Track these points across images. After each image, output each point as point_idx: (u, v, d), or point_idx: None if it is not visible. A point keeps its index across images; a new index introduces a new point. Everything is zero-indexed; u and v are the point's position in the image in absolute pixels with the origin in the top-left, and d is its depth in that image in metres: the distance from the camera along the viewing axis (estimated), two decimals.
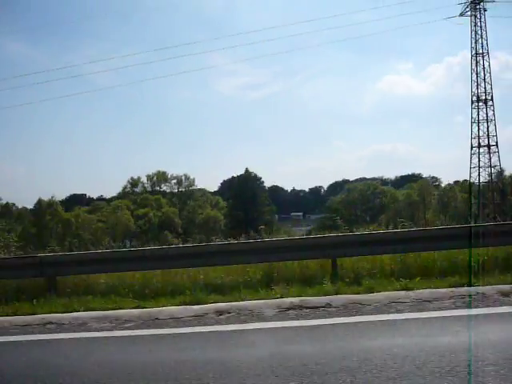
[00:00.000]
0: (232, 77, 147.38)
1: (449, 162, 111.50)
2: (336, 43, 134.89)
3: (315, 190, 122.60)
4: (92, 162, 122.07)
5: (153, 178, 73.66)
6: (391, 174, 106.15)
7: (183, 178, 73.99)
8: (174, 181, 74.72)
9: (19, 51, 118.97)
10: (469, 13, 48.37)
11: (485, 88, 48.74)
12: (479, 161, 49.11)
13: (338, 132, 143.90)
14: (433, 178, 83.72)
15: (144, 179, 74.25)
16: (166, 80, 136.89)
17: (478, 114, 49.06)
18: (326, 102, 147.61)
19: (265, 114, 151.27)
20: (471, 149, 49.78)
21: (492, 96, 49.06)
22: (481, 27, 48.27)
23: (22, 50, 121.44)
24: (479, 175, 48.93)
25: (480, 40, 48.63)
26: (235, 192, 69.09)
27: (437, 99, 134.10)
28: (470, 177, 50.66)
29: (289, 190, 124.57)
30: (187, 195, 72.74)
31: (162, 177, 74.05)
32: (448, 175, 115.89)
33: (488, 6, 48.20)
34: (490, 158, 49.02)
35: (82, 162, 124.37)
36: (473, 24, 48.41)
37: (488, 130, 48.79)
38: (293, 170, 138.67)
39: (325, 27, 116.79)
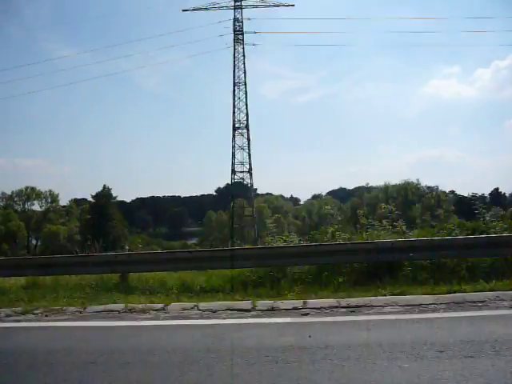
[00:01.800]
0: (277, 80, 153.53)
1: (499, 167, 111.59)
2: (381, 48, 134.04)
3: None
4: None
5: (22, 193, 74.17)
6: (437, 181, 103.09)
7: (48, 194, 74.38)
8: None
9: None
10: None
11: None
12: None
13: (384, 137, 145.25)
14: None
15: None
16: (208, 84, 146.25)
17: None
18: (372, 107, 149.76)
19: (309, 118, 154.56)
20: None
21: None
22: None
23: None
24: None
25: None
26: (91, 208, 69.65)
27: (485, 103, 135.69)
28: None
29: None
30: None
31: (31, 193, 74.34)
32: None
33: None
34: None
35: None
36: None
37: None
38: (335, 175, 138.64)
39: (370, 31, 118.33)
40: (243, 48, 50.16)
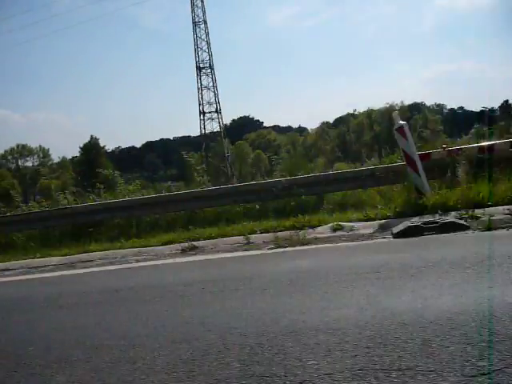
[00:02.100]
0: (282, 6, 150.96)
1: None
2: None
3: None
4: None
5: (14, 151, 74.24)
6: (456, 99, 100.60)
7: (39, 150, 74.69)
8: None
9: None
10: None
11: None
12: None
13: (398, 55, 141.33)
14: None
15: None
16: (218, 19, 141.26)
17: None
18: (382, 25, 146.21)
19: (317, 43, 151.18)
20: None
21: None
22: None
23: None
24: None
25: None
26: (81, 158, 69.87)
27: (505, 9, 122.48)
28: None
29: None
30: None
31: (22, 151, 74.49)
32: None
33: None
34: None
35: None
36: None
37: None
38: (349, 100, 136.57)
39: None
40: None
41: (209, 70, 50.27)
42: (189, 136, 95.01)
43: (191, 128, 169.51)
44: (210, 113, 50.91)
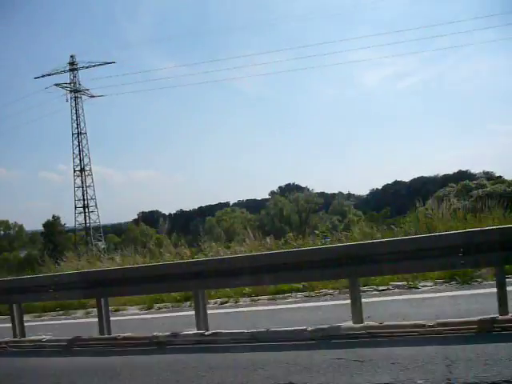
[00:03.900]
0: (377, 68, 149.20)
1: None
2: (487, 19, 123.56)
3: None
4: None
5: None
6: None
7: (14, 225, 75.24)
8: None
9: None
10: None
11: None
12: None
13: (496, 114, 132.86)
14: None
15: None
16: (309, 79, 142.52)
17: None
18: (480, 84, 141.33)
19: (413, 103, 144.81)
20: None
21: None
22: None
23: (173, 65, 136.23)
24: None
25: None
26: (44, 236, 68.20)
27: None
28: None
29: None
30: None
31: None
32: None
33: None
34: None
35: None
36: None
37: None
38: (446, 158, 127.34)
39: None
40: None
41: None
42: None
43: None
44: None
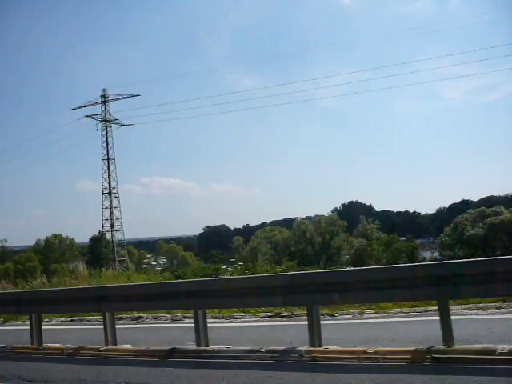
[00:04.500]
0: (460, 81, 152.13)
1: None
2: None
3: None
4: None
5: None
6: None
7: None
8: None
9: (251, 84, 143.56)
10: None
11: None
12: None
13: None
14: None
15: None
16: (391, 95, 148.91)
17: None
18: None
19: (499, 118, 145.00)
20: None
21: None
22: None
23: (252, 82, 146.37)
24: None
25: None
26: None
27: None
28: None
29: None
30: None
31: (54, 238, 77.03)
32: None
33: None
34: None
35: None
36: None
37: None
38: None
39: None
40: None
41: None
42: None
43: None
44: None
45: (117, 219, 60.66)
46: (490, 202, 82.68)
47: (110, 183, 60.00)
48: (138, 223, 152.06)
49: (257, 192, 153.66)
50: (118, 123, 59.52)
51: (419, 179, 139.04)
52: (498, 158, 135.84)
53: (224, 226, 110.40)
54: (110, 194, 59.71)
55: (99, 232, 67.00)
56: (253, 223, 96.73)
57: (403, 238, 70.04)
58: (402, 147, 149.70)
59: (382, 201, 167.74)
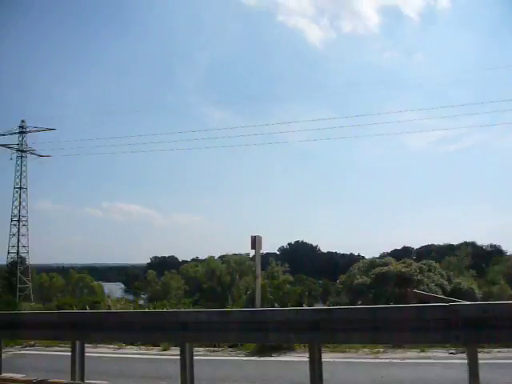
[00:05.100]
0: (424, 131, 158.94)
1: None
2: None
3: None
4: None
5: None
6: None
7: None
8: None
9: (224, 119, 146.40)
10: None
11: None
12: None
13: None
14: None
15: None
16: (355, 141, 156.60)
17: None
18: None
19: (457, 169, 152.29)
20: None
21: None
22: None
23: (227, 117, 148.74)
24: None
25: None
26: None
27: None
28: None
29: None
30: None
31: None
32: None
33: None
34: None
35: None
36: None
37: None
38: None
39: None
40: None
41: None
42: None
43: None
44: None
45: (23, 247, 61.97)
46: (428, 249, 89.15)
47: (19, 211, 61.55)
48: (90, 248, 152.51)
49: (220, 225, 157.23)
50: (34, 153, 61.55)
51: (371, 224, 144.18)
52: (445, 207, 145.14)
53: (172, 257, 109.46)
54: (18, 221, 60.19)
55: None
56: (204, 255, 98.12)
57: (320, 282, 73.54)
58: (359, 192, 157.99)
59: (334, 243, 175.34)
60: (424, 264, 46.97)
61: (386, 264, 44.64)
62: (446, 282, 46.68)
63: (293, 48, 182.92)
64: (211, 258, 67.74)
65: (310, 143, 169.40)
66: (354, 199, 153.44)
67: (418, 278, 41.32)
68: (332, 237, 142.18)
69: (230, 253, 66.99)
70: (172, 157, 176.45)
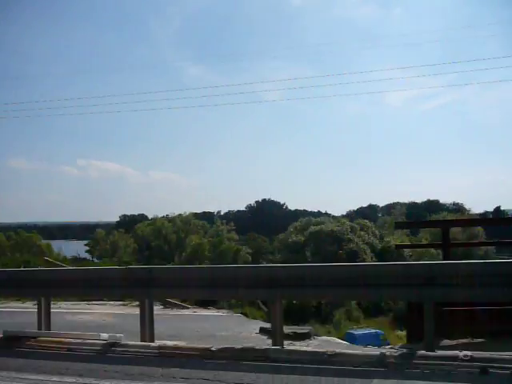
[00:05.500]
0: (402, 88, 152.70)
1: None
2: None
3: None
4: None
5: None
6: None
7: None
8: None
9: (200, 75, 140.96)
10: None
11: None
12: None
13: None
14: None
15: None
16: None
17: None
18: (507, 111, 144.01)
19: (434, 126, 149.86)
20: None
21: None
22: None
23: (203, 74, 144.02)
24: None
25: None
26: None
27: None
28: None
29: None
30: None
31: None
32: None
33: None
34: None
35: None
36: None
37: None
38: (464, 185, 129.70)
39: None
40: None
41: None
42: None
43: None
44: None
45: None
46: (391, 207, 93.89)
47: None
48: (65, 206, 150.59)
49: (195, 182, 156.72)
50: None
51: (343, 181, 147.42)
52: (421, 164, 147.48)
53: (142, 215, 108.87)
54: None
55: None
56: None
57: None
58: (332, 147, 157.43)
59: (303, 201, 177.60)
60: (357, 223, 50.17)
61: (320, 223, 47.46)
62: (377, 241, 50.08)
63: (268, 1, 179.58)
64: (158, 218, 68.98)
65: (288, 97, 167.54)
66: (329, 157, 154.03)
67: (349, 236, 44.34)
68: (302, 194, 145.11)
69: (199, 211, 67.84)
70: (150, 115, 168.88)
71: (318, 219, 49.67)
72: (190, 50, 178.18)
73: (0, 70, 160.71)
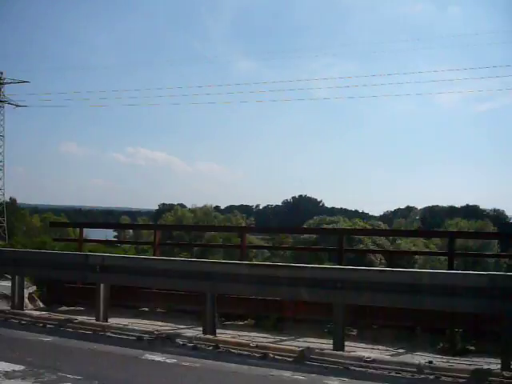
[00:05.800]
0: (455, 89, 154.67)
1: None
2: None
3: None
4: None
5: None
6: None
7: None
8: None
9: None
10: None
11: None
12: None
13: None
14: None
15: None
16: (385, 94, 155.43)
17: None
18: None
19: (486, 129, 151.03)
20: None
21: None
22: None
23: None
24: None
25: None
26: None
27: None
28: None
29: None
30: None
31: None
32: None
33: None
34: None
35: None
36: None
37: None
38: None
39: None
40: None
41: None
42: None
43: None
44: None
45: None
46: (432, 211, 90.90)
47: None
48: (110, 191, 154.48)
49: (238, 175, 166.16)
50: (12, 104, 62.18)
51: (387, 181, 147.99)
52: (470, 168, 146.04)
53: (181, 204, 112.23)
54: None
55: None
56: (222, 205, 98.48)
57: None
58: (379, 147, 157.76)
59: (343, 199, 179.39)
60: (371, 225, 51.48)
61: (334, 222, 48.91)
62: (388, 243, 51.18)
63: None
64: (178, 207, 71.34)
65: (337, 94, 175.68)
66: (373, 157, 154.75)
67: (359, 237, 45.68)
68: (344, 193, 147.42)
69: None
70: (200, 108, 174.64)
71: (333, 218, 51.17)
72: (241, 44, 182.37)
73: (62, 59, 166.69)
